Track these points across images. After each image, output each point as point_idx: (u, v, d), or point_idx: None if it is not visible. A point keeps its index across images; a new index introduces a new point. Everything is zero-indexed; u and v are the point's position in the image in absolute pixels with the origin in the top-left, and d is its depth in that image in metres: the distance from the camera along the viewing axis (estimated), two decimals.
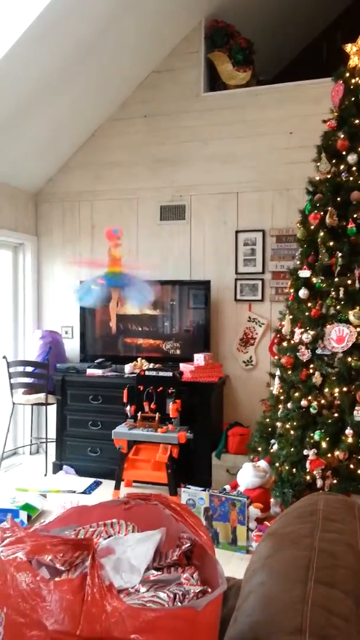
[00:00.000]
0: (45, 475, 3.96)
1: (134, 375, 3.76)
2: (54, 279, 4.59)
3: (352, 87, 2.98)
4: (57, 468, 3.99)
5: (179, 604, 0.78)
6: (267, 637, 0.79)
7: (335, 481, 2.72)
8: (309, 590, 0.88)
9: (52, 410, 4.11)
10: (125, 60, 3.92)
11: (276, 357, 3.22)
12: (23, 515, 2.93)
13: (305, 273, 2.97)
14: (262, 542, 1.21)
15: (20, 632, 0.71)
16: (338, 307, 2.84)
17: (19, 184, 4.33)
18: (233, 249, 3.99)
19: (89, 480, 3.75)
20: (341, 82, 3.03)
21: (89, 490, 3.61)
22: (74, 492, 3.56)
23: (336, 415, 2.79)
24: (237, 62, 3.99)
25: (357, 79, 2.99)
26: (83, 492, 3.56)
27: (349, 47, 3.10)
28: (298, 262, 3.11)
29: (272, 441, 3.10)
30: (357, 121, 2.92)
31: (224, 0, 4.06)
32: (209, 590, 0.82)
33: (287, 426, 2.95)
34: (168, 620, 0.71)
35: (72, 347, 4.44)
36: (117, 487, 3.48)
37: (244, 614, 0.94)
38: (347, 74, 3.02)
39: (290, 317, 3.07)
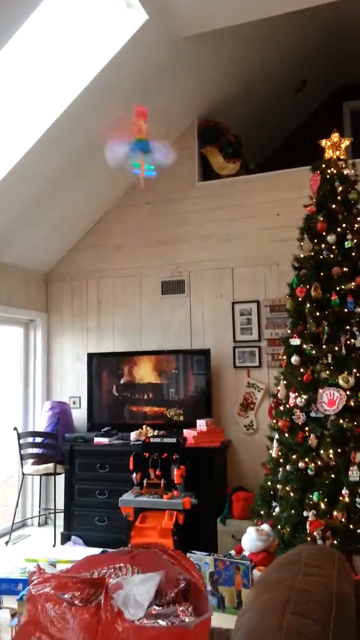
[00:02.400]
0: (54, 546, 4.01)
1: (139, 442, 3.91)
2: (62, 352, 4.85)
3: (327, 176, 3.38)
4: (65, 539, 4.04)
5: None
6: None
7: (335, 542, 2.81)
8: (285, 620, 1.05)
9: (60, 480, 4.22)
10: None
11: (273, 421, 3.40)
12: None
13: (295, 341, 3.22)
14: (251, 590, 1.36)
15: None
16: (328, 372, 3.05)
17: (33, 265, 4.71)
18: (230, 319, 4.27)
19: (96, 551, 3.79)
20: (318, 172, 3.43)
21: None
22: None
23: (333, 476, 2.92)
24: (227, 155, 4.47)
25: (332, 169, 3.39)
26: None
27: (324, 142, 3.53)
28: (289, 331, 3.36)
29: (274, 504, 3.20)
30: (333, 206, 3.28)
31: (214, 101, 4.61)
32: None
33: (287, 488, 3.07)
34: (166, 637, 0.89)
35: (79, 416, 4.62)
36: None
37: (236, 635, 1.10)
38: (323, 165, 3.43)
39: (285, 382, 3.28)
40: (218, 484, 3.87)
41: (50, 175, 3.86)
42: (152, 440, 3.80)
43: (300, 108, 5.79)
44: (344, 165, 3.43)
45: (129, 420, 4.34)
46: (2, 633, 2.72)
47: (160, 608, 1.06)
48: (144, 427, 4.13)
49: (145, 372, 4.37)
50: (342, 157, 3.47)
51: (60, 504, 4.19)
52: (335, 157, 3.46)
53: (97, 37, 3.31)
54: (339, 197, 3.32)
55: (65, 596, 1.00)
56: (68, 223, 4.58)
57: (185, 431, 3.92)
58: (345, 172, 3.39)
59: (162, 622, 0.97)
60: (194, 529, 3.62)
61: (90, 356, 4.53)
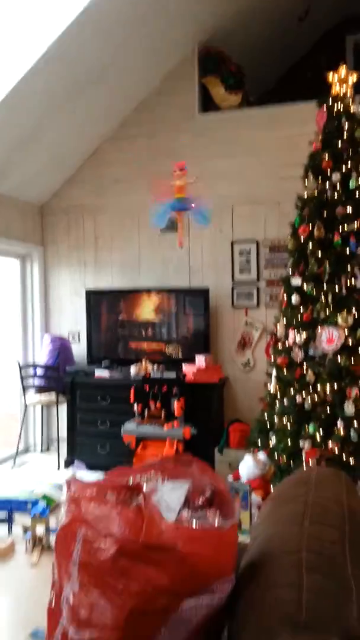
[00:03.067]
0: (59, 469, 4.22)
1: (139, 376, 4.04)
2: (60, 287, 4.87)
3: (334, 113, 3.31)
4: (68, 464, 4.25)
5: None
6: (276, 555, 1.08)
7: None
8: (305, 527, 1.16)
9: (62, 411, 4.38)
10: (127, 83, 4.24)
11: (271, 358, 3.52)
12: (41, 506, 3.19)
13: (296, 281, 3.28)
14: (264, 505, 1.49)
15: (94, 543, 0.99)
16: (327, 311, 3.14)
17: (27, 197, 4.62)
18: (229, 259, 4.30)
19: (100, 474, 4.01)
20: (324, 108, 3.36)
21: None
22: None
23: (328, 410, 3.08)
24: (228, 86, 4.31)
25: (340, 105, 3.31)
26: None
27: (331, 76, 3.43)
28: (290, 271, 3.41)
29: (271, 434, 3.38)
30: (339, 144, 3.24)
31: (215, 28, 4.39)
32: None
33: (284, 421, 3.24)
34: (203, 536, 1.00)
35: (78, 351, 4.72)
36: None
37: (253, 546, 1.22)
38: (330, 101, 3.35)
39: (284, 321, 3.37)
40: (215, 417, 4.06)
41: (45, 104, 3.72)
42: (152, 375, 3.93)
43: (302, 39, 5.55)
44: (351, 102, 3.35)
45: (127, 355, 4.45)
46: (17, 545, 2.94)
47: (191, 513, 1.17)
48: (143, 361, 4.25)
49: (144, 310, 4.43)
50: (349, 92, 3.39)
51: (63, 433, 4.37)
52: (342, 92, 3.37)
53: None
54: (345, 135, 3.28)
55: (108, 497, 1.09)
56: (63, 154, 4.46)
57: (184, 367, 4.04)
58: (352, 109, 3.33)
59: (194, 523, 1.08)
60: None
61: (89, 293, 4.56)
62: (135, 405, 3.88)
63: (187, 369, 4.01)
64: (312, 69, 5.53)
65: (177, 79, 4.44)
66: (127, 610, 0.94)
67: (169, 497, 1.19)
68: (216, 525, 1.06)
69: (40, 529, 2.87)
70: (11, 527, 3.13)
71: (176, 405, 3.76)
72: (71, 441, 4.29)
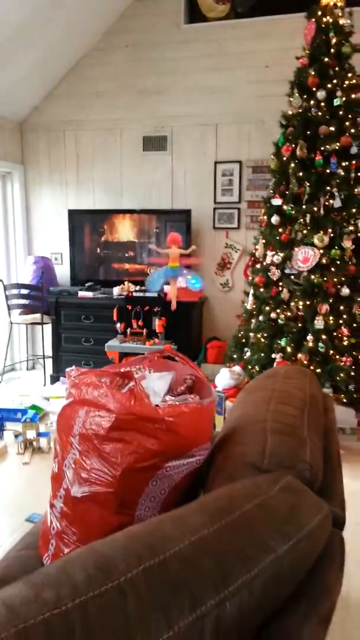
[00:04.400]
0: (45, 385, 4.42)
1: (121, 296, 4.16)
2: (41, 207, 4.82)
3: (323, 25, 3.22)
4: (54, 380, 4.45)
5: None
6: (245, 426, 1.26)
7: None
8: (271, 405, 1.35)
9: (47, 329, 4.51)
10: None
11: (250, 278, 3.66)
12: (31, 413, 3.40)
13: (277, 201, 3.35)
14: (239, 395, 1.68)
15: (95, 417, 1.15)
16: (305, 231, 3.25)
17: (6, 113, 4.45)
18: (212, 180, 4.30)
19: None
20: (313, 20, 3.26)
21: None
22: None
23: (300, 325, 3.28)
24: None
25: (328, 18, 3.22)
26: None
27: None
28: (271, 192, 3.47)
29: (246, 349, 3.60)
30: (326, 59, 3.19)
31: None
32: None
33: (259, 336, 3.44)
34: (186, 410, 1.16)
35: (61, 272, 4.78)
36: None
37: (226, 424, 1.41)
38: (319, 13, 3.25)
39: (263, 241, 3.47)
40: (195, 334, 4.25)
41: (25, 11, 3.50)
42: (134, 294, 4.05)
43: None
44: (340, 14, 3.26)
45: (110, 276, 4.53)
46: (9, 448, 3.17)
47: (173, 397, 1.33)
48: (125, 282, 4.35)
49: (126, 231, 4.46)
50: (339, 3, 3.28)
51: (48, 351, 4.54)
52: (332, 3, 3.27)
53: None
54: (332, 50, 3.22)
55: (103, 381, 1.24)
56: (43, 65, 4.25)
57: (165, 286, 4.16)
58: (341, 22, 3.24)
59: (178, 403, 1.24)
60: None
61: (71, 213, 4.54)
62: (118, 323, 4.02)
63: (168, 288, 4.13)
64: None
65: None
66: (122, 469, 1.11)
67: (155, 384, 1.35)
68: (199, 401, 1.23)
69: (31, 433, 3.09)
70: (2, 433, 3.35)
71: (157, 323, 3.92)
72: (56, 358, 4.47)
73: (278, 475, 0.96)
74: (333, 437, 1.48)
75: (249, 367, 3.47)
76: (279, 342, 3.31)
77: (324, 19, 3.21)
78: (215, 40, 4.15)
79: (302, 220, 3.26)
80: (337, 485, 1.22)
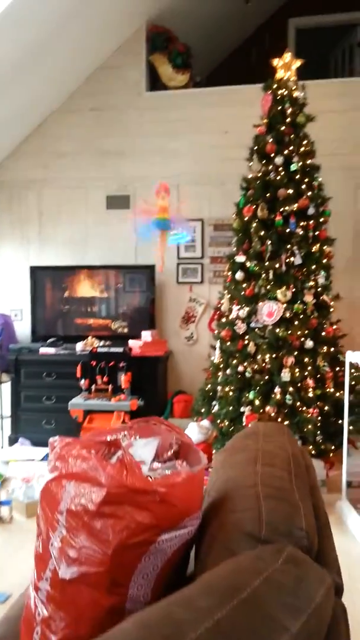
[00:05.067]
0: (2, 447, 4.21)
1: (85, 352, 4.09)
2: (2, 263, 4.76)
3: (278, 97, 3.48)
4: (12, 441, 4.25)
5: None
6: (234, 490, 1.23)
7: None
8: (258, 468, 1.33)
9: (5, 388, 4.35)
10: (75, 56, 4.17)
11: (215, 332, 3.71)
12: None
13: (240, 258, 3.46)
14: (218, 455, 1.65)
15: (84, 492, 1.10)
16: (268, 287, 3.35)
17: None
18: None
19: (45, 450, 4.05)
20: (270, 92, 3.51)
21: (46, 458, 3.91)
22: (33, 460, 3.87)
23: (267, 377, 3.32)
24: (176, 65, 4.36)
25: (284, 90, 3.48)
26: (42, 460, 3.87)
27: (276, 62, 3.58)
28: (234, 249, 3.59)
29: (214, 403, 3.59)
30: (283, 128, 3.42)
31: (163, 6, 4.40)
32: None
33: (227, 389, 3.44)
34: (179, 479, 1.13)
35: (21, 328, 4.67)
36: None
37: (213, 488, 1.38)
38: (275, 86, 3.51)
39: (229, 296, 3.55)
40: (161, 389, 4.21)
41: None
42: (99, 350, 3.99)
43: (247, 21, 5.66)
44: (294, 87, 3.53)
45: (73, 332, 4.47)
46: None
47: (160, 464, 1.30)
48: (89, 338, 4.30)
49: (90, 286, 4.46)
50: (292, 78, 3.56)
51: (6, 411, 4.35)
52: (286, 78, 3.54)
53: None
54: (288, 119, 3.46)
55: (92, 452, 1.20)
56: (8, 124, 4.33)
57: (130, 342, 4.14)
58: (295, 95, 3.51)
59: (167, 472, 1.21)
60: None
61: (34, 269, 4.51)
62: (82, 380, 3.94)
63: (133, 343, 4.12)
64: (256, 52, 5.69)
65: (125, 54, 4.42)
66: (114, 546, 1.06)
67: (141, 451, 1.32)
68: (190, 469, 1.20)
69: None
70: None
71: (124, 379, 3.86)
72: (15, 418, 4.28)
73: (280, 547, 0.94)
74: (317, 494, 1.47)
75: (218, 420, 3.45)
76: (247, 395, 3.32)
77: (280, 92, 3.46)
78: (176, 107, 4.38)
79: (265, 276, 3.37)
80: (330, 549, 1.21)
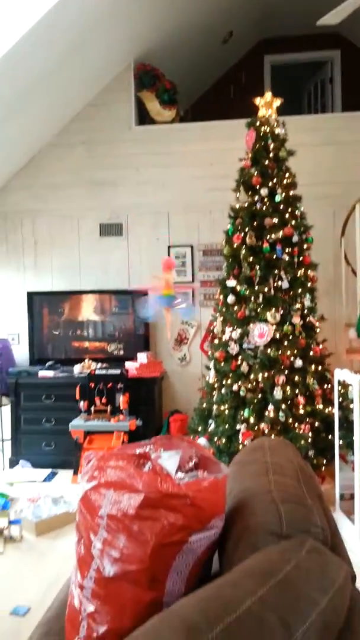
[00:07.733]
0: (3, 469, 4.29)
1: (83, 375, 4.23)
2: None
3: (261, 134, 3.75)
4: (13, 463, 4.34)
5: None
6: (252, 497, 1.41)
7: None
8: (270, 477, 1.51)
9: (6, 411, 4.45)
10: (67, 95, 4.40)
11: (209, 353, 3.90)
12: (2, 501, 3.31)
13: (231, 283, 3.68)
14: (231, 468, 1.83)
15: (123, 498, 1.26)
16: (258, 309, 3.57)
17: None
18: None
19: (46, 471, 4.15)
20: (253, 129, 3.78)
21: (48, 479, 4.02)
22: (35, 481, 3.96)
23: (260, 395, 3.51)
24: (163, 102, 4.63)
25: (266, 127, 3.76)
26: (44, 481, 3.97)
27: (258, 100, 3.87)
28: (225, 274, 3.80)
29: (210, 421, 3.76)
30: (267, 162, 3.68)
31: (150, 47, 4.68)
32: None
33: (222, 408, 3.62)
34: (206, 484, 1.30)
35: (19, 352, 4.79)
36: (75, 472, 3.93)
37: (231, 496, 1.55)
38: (258, 123, 3.78)
39: (221, 318, 3.76)
40: (157, 408, 4.36)
41: None
42: (97, 372, 4.14)
43: (226, 59, 6.01)
44: (275, 124, 3.81)
45: (70, 355, 4.61)
46: None
47: (183, 475, 1.47)
48: (86, 360, 4.45)
49: (85, 310, 4.63)
50: (273, 115, 3.84)
51: (6, 434, 4.44)
52: (267, 115, 3.82)
53: None
54: (271, 154, 3.73)
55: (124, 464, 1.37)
56: (1, 157, 4.52)
57: (127, 363, 4.30)
58: (276, 131, 3.78)
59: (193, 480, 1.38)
60: None
61: (30, 295, 4.66)
62: (81, 402, 4.07)
63: (130, 365, 4.28)
64: (234, 86, 6.03)
65: (114, 91, 4.68)
66: (152, 545, 1.22)
67: (166, 463, 1.49)
68: (215, 476, 1.37)
69: (2, 522, 3.01)
70: None
71: (122, 400, 4.01)
72: (15, 441, 4.38)
73: (302, 540, 1.12)
74: (324, 501, 1.66)
75: (215, 438, 3.61)
76: (242, 413, 3.50)
77: (262, 128, 3.74)
78: (164, 141, 4.64)
79: (255, 299, 3.59)
80: (340, 544, 1.39)
